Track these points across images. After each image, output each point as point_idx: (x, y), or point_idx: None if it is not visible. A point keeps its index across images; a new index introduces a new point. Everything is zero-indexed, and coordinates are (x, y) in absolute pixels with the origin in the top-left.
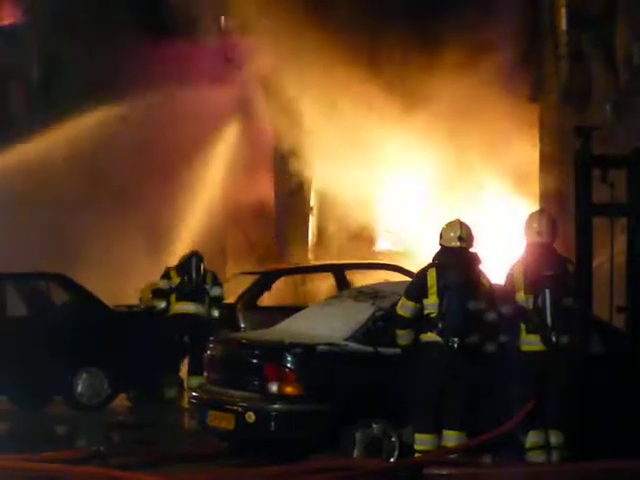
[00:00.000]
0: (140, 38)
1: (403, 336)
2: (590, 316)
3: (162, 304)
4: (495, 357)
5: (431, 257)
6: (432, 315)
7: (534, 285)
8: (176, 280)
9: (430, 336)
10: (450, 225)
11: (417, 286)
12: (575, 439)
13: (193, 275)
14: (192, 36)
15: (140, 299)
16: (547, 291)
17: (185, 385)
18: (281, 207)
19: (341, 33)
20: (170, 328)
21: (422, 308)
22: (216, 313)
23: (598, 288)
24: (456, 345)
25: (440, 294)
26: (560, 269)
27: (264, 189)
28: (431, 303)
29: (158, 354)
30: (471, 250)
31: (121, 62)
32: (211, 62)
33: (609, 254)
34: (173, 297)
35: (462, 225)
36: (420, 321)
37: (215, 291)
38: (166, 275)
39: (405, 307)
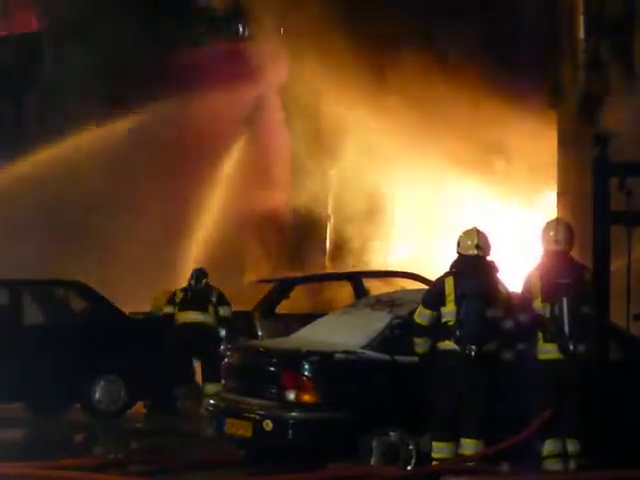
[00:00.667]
0: (157, 44)
1: (420, 344)
2: (607, 324)
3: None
4: (512, 365)
5: (448, 265)
6: (449, 323)
7: (551, 293)
8: (180, 296)
9: (447, 344)
10: (467, 233)
11: (434, 294)
12: (592, 447)
13: (193, 283)
14: (210, 41)
15: (151, 307)
16: (564, 299)
17: (202, 392)
18: (298, 215)
19: (361, 39)
20: (176, 338)
21: (439, 316)
22: (223, 332)
23: (615, 296)
24: (473, 353)
25: (458, 302)
26: (577, 277)
27: (281, 197)
28: (448, 311)
29: (173, 362)
30: (488, 258)
31: (138, 68)
32: (229, 68)
33: (626, 262)
34: (176, 309)
35: (479, 233)
36: (437, 329)
37: (223, 311)
38: (171, 300)
39: (422, 315)
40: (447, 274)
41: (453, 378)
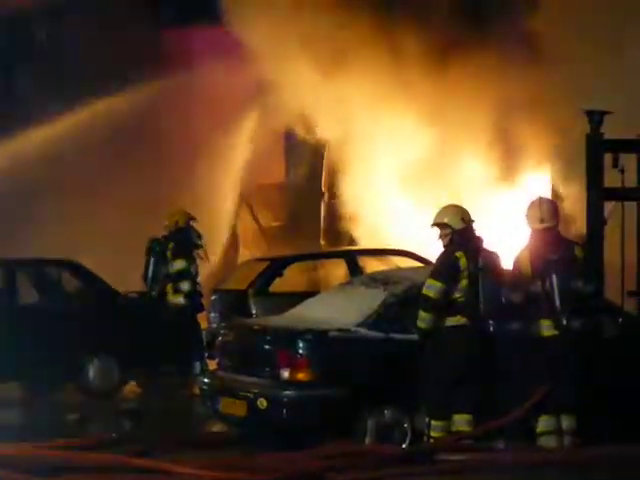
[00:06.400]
0: (158, 19)
1: (427, 320)
2: (602, 300)
3: None
4: (508, 342)
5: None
6: (460, 299)
7: (541, 270)
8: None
9: (458, 320)
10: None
11: (448, 268)
12: (587, 424)
13: (148, 280)
14: (212, 18)
15: None
16: (554, 275)
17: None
18: (293, 192)
19: (358, 16)
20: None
21: (448, 291)
22: (186, 286)
23: (609, 272)
24: (492, 329)
25: (469, 278)
26: (566, 252)
27: (276, 174)
28: (462, 287)
29: (168, 341)
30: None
31: (138, 44)
32: (229, 45)
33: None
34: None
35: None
36: (444, 306)
37: (175, 266)
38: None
39: (434, 287)
40: (456, 249)
41: (463, 355)
